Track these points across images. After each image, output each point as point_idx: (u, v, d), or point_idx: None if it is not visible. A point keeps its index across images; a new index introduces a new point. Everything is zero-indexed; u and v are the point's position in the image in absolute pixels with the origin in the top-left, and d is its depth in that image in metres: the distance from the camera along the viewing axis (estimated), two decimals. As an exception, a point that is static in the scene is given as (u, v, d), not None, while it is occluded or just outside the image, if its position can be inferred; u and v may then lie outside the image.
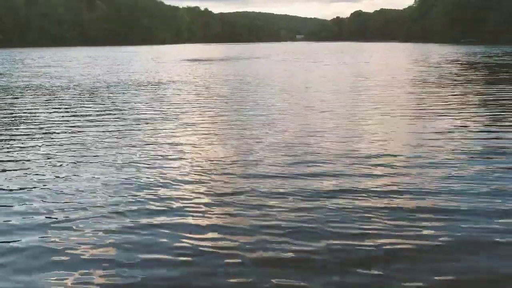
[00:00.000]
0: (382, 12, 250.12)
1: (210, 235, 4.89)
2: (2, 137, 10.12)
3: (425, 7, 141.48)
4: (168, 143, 9.09)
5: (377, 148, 8.36)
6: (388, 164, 7.28)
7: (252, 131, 10.08)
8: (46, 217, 5.45)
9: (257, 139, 9.26)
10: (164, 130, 10.50)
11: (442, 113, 12.33)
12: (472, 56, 46.24)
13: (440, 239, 4.70)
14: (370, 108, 13.45)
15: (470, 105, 13.93)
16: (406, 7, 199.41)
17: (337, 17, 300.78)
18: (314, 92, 17.82)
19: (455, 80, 22.08)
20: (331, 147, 8.47)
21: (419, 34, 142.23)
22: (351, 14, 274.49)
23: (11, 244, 4.79)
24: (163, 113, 13.05)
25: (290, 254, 4.42)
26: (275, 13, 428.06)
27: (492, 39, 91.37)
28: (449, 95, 16.35)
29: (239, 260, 4.33)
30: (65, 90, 20.54)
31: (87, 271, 4.20)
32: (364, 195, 5.93)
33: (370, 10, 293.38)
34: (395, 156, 7.77)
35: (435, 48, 73.88)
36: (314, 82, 21.92)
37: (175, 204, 5.74)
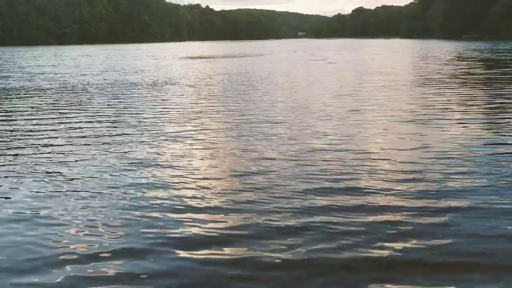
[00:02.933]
0: (384, 8, 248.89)
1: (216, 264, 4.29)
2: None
3: (427, 3, 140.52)
4: (166, 156, 8.05)
5: (397, 162, 7.27)
6: (406, 180, 6.35)
7: (258, 143, 8.85)
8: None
9: (263, 155, 7.97)
10: (163, 140, 9.36)
11: (468, 118, 11.06)
12: (483, 52, 44.75)
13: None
14: (387, 113, 11.94)
15: (498, 107, 12.64)
16: (408, 3, 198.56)
17: (339, 14, 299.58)
18: (323, 95, 16.09)
19: (477, 79, 20.81)
20: (343, 161, 7.40)
21: (420, 30, 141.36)
22: (353, 10, 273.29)
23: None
24: (162, 119, 11.93)
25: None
26: (276, 10, 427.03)
27: (493, 35, 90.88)
28: (473, 95, 15.08)
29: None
30: (56, 92, 19.95)
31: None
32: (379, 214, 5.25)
33: (372, 6, 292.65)
34: (415, 171, 6.73)
35: (440, 44, 72.65)
36: (322, 83, 20.24)
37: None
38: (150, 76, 26.14)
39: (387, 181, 6.36)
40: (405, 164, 7.14)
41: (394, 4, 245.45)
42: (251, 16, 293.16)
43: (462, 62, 31.74)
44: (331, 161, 7.46)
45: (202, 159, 7.89)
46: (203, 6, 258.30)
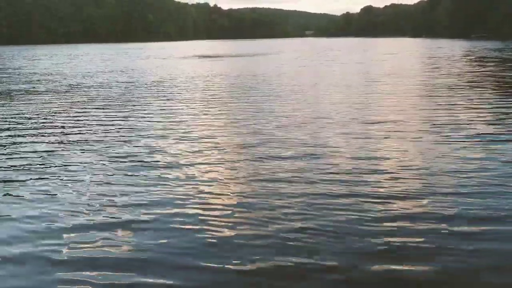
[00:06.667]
0: (393, 7, 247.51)
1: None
2: None
3: (435, 2, 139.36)
4: (171, 161, 7.80)
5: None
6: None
7: (265, 151, 8.35)
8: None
9: (269, 162, 7.60)
10: (168, 146, 8.93)
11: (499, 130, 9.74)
12: (503, 52, 43.03)
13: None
14: (406, 123, 10.71)
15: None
16: (417, 1, 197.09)
17: (347, 13, 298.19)
18: (339, 102, 14.33)
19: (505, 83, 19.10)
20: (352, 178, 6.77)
21: (428, 29, 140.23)
22: (361, 9, 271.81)
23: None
24: (165, 124, 11.28)
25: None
26: (284, 8, 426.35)
27: (503, 34, 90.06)
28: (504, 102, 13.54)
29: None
30: (51, 94, 19.45)
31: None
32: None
33: (381, 5, 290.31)
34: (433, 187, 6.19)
35: (452, 44, 70.36)
36: (335, 87, 18.56)
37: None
38: (151, 78, 25.59)
39: (401, 196, 5.96)
40: (421, 183, 6.45)
41: (403, 3, 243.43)
42: (259, 15, 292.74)
43: (485, 63, 29.79)
44: (342, 172, 6.98)
45: (210, 167, 7.43)
46: (211, 5, 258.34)
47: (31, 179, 7.03)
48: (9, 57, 54.14)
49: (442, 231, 4.93)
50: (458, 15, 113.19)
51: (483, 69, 25.74)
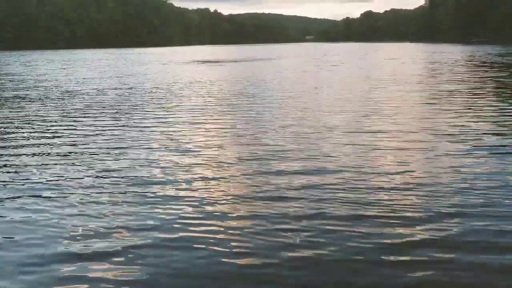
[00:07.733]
0: (393, 12, 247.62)
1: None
2: None
3: (435, 7, 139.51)
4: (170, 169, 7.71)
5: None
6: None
7: (266, 158, 8.23)
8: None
9: (271, 172, 7.43)
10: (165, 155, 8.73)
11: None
12: (501, 57, 42.43)
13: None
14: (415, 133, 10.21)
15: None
16: (417, 6, 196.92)
17: (347, 18, 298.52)
18: (347, 115, 12.98)
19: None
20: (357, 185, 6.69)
21: (428, 34, 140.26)
22: (361, 14, 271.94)
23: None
24: (165, 133, 10.98)
25: None
26: (284, 14, 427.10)
27: (503, 38, 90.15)
28: None
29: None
30: (46, 101, 18.95)
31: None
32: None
33: (381, 10, 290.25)
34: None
35: (453, 49, 69.19)
36: (338, 97, 17.94)
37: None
38: (148, 84, 25.13)
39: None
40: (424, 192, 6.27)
41: (403, 8, 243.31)
42: (259, 20, 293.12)
43: (488, 69, 29.15)
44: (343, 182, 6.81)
45: (207, 182, 7.07)
46: (212, 10, 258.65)
47: (16, 195, 6.61)
48: (5, 64, 53.63)
49: (448, 247, 4.76)
50: (458, 21, 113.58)
51: (486, 75, 25.25)
